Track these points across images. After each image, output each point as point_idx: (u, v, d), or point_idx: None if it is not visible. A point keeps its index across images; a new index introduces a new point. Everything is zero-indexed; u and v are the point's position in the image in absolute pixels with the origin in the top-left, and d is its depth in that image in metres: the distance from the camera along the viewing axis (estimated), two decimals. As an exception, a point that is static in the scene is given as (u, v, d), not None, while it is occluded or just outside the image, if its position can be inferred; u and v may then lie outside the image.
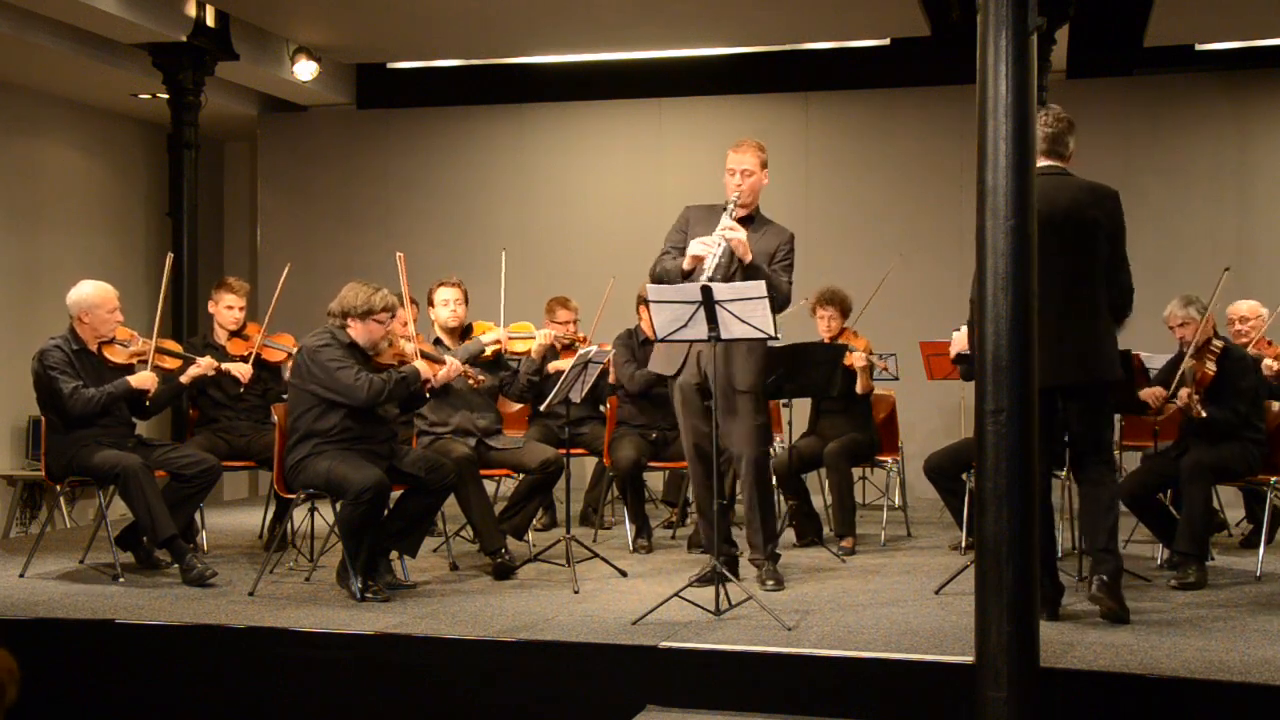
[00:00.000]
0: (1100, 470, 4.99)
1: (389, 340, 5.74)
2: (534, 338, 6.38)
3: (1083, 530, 4.97)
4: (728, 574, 5.14)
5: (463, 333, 6.40)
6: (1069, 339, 4.83)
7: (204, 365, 6.36)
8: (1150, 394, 6.06)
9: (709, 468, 5.39)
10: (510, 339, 6.36)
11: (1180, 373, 5.96)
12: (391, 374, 5.57)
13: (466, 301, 6.38)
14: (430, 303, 6.42)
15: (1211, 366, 5.97)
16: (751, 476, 5.54)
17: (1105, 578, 4.86)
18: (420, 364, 5.71)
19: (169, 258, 6.60)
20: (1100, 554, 4.90)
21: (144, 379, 6.01)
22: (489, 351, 6.27)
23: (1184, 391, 5.89)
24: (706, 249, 5.32)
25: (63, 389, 5.79)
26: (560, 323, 7.57)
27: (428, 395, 5.91)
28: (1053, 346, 4.72)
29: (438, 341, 6.32)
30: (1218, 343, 6.04)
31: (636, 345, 7.16)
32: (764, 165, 5.55)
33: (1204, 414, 5.85)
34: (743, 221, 5.53)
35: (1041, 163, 4.91)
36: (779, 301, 5.44)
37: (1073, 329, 4.85)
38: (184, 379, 6.32)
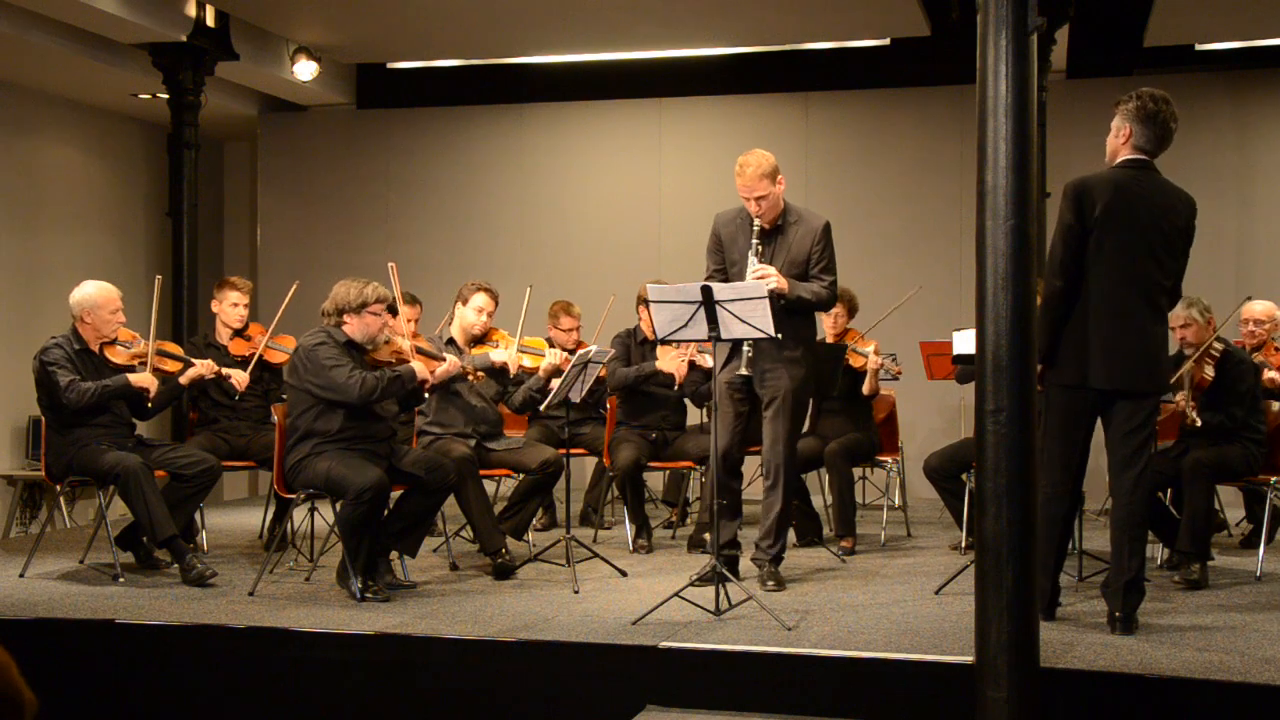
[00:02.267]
0: (1134, 489, 4.72)
1: (386, 336, 5.74)
2: (544, 356, 6.27)
3: (1114, 550, 4.76)
4: (728, 574, 5.14)
5: (479, 337, 6.35)
6: (1145, 345, 4.69)
7: (203, 368, 6.36)
8: None
9: (731, 473, 5.55)
10: (521, 353, 6.28)
11: (1179, 375, 5.94)
12: (385, 373, 5.55)
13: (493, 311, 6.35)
14: (463, 300, 6.35)
15: (1210, 371, 5.95)
16: (780, 480, 5.52)
17: (1126, 615, 4.68)
18: (416, 364, 5.72)
19: (158, 280, 6.50)
20: (1128, 589, 4.68)
21: (143, 378, 6.00)
22: (496, 365, 6.24)
23: (1180, 396, 5.89)
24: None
25: (59, 380, 5.78)
26: (564, 330, 7.56)
27: (426, 394, 5.90)
28: (1126, 349, 4.64)
29: (450, 341, 6.29)
30: (1218, 345, 6.04)
31: (634, 345, 7.16)
32: (774, 174, 5.42)
33: (1199, 422, 5.86)
34: (774, 230, 5.52)
35: (1126, 155, 4.78)
36: (825, 306, 5.67)
37: (1149, 335, 4.71)
38: (183, 380, 6.32)
